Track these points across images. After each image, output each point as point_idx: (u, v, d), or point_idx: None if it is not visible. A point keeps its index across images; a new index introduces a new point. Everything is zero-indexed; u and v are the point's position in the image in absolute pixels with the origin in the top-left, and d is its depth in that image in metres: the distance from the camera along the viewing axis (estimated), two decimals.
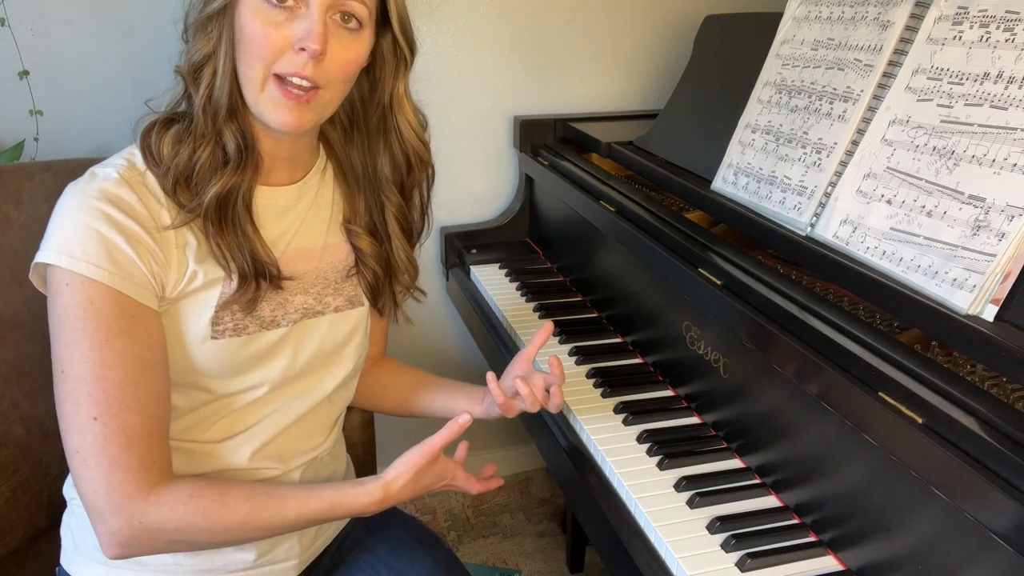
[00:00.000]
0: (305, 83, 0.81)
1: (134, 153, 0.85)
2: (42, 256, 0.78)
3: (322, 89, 0.83)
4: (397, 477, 0.87)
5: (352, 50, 0.84)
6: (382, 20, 0.88)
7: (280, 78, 0.81)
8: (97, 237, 0.78)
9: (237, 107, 0.84)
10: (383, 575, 1.04)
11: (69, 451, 0.78)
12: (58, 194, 0.81)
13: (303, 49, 0.79)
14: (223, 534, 0.82)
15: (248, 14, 0.80)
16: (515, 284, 1.51)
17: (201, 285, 0.84)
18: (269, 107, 0.82)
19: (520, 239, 1.70)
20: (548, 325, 1.03)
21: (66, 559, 0.94)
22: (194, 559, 0.90)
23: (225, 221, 0.84)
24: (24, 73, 1.33)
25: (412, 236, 1.04)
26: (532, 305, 1.42)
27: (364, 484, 0.86)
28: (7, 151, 1.33)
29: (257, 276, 0.86)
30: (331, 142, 0.99)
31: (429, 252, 1.71)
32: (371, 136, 0.98)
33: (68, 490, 0.96)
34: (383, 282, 1.02)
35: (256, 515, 0.82)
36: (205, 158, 0.83)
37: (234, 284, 0.85)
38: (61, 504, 1.00)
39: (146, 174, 0.83)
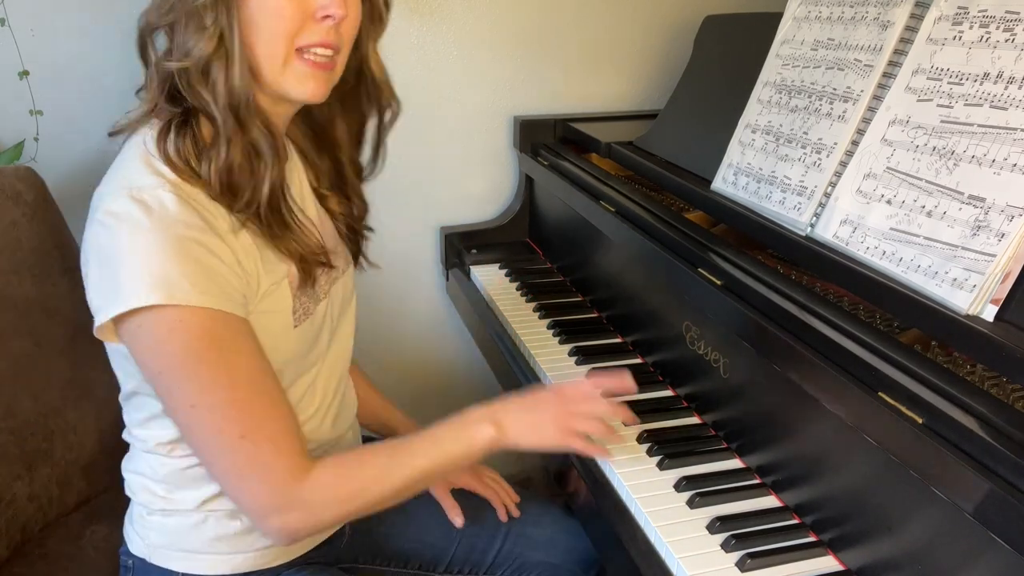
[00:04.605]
0: (329, 51, 0.82)
1: (157, 166, 0.80)
2: (140, 300, 0.73)
3: (340, 53, 0.85)
4: (501, 404, 0.89)
5: (356, 8, 0.86)
6: None
7: (300, 50, 0.81)
8: (195, 265, 0.76)
9: (257, 96, 0.84)
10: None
11: (220, 473, 0.82)
12: None
13: (326, 16, 0.80)
14: (376, 489, 0.84)
15: None
16: (515, 284, 1.51)
17: (275, 282, 0.86)
18: (294, 82, 0.82)
19: (520, 239, 1.70)
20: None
21: (155, 556, 0.95)
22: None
23: (275, 215, 0.85)
24: (24, 73, 1.33)
25: (360, 175, 1.05)
26: (532, 305, 1.42)
27: (474, 421, 0.88)
28: (7, 151, 1.33)
29: (315, 257, 0.89)
30: None
31: (429, 252, 1.71)
32: (343, 96, 0.96)
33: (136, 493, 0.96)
34: (355, 237, 1.05)
35: (396, 460, 0.86)
36: (239, 158, 0.81)
37: (296, 274, 0.87)
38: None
39: (185, 185, 0.79)
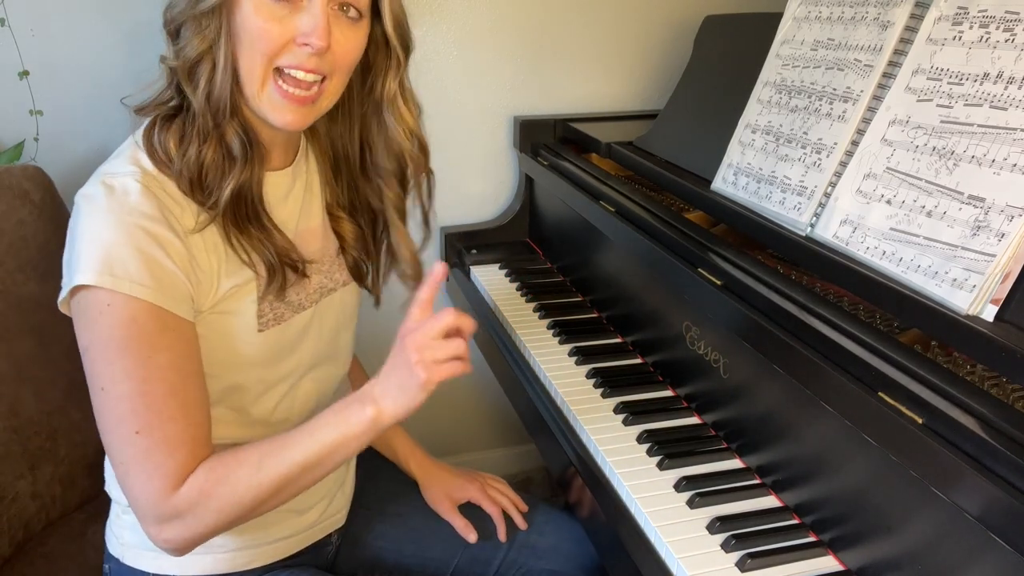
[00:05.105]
0: (310, 77, 0.82)
1: (139, 156, 0.83)
2: (81, 278, 0.76)
3: (327, 79, 0.84)
4: (375, 378, 0.83)
5: (353, 39, 0.85)
6: (375, 13, 0.88)
7: (279, 71, 0.82)
8: (138, 255, 0.77)
9: (238, 102, 0.84)
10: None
11: (113, 462, 0.81)
12: None
13: (306, 44, 0.80)
14: (252, 491, 0.80)
15: (249, 8, 0.80)
16: (515, 284, 1.51)
17: (238, 284, 0.86)
18: (268, 108, 0.83)
19: (520, 239, 1.70)
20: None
21: (127, 556, 0.96)
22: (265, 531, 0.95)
23: (241, 217, 0.85)
24: (24, 73, 1.33)
25: (375, 234, 1.05)
26: (532, 305, 1.42)
27: (350, 406, 0.83)
28: (7, 151, 1.33)
29: (283, 265, 0.88)
30: (314, 125, 0.99)
31: (429, 252, 1.69)
32: (364, 121, 0.97)
33: (112, 491, 0.97)
34: (366, 264, 1.05)
35: (269, 458, 0.81)
36: (211, 157, 0.82)
37: (263, 278, 0.87)
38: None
39: (160, 177, 0.82)
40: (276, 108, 0.83)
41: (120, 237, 0.77)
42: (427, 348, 0.80)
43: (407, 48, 0.92)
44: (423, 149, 0.99)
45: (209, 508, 0.79)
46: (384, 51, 0.91)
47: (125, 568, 0.95)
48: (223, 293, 0.85)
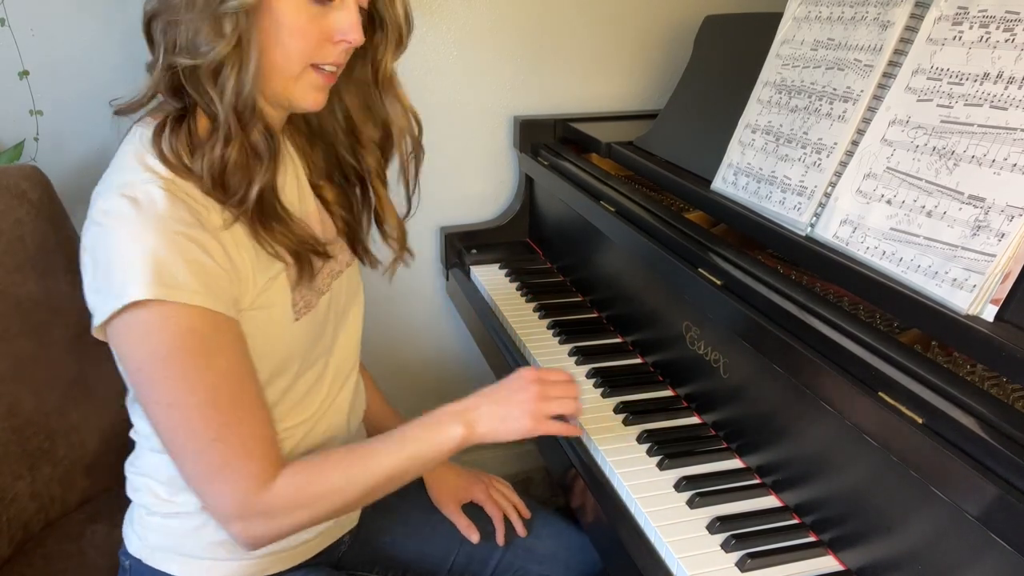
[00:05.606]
0: (335, 68, 0.85)
1: (148, 162, 0.80)
2: (134, 293, 0.73)
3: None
4: (474, 398, 0.90)
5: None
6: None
7: (314, 65, 0.83)
8: (183, 261, 0.75)
9: (257, 98, 0.84)
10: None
11: (190, 474, 0.81)
12: None
13: (344, 40, 0.83)
14: (340, 495, 0.85)
15: (291, 10, 0.79)
16: (515, 284, 1.51)
17: (271, 277, 0.86)
18: (306, 92, 0.85)
19: (520, 239, 1.70)
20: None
21: (152, 558, 0.96)
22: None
23: (265, 213, 0.85)
24: (24, 73, 1.33)
25: (359, 164, 1.03)
26: (532, 305, 1.42)
27: (443, 421, 0.89)
28: (7, 151, 1.33)
29: (307, 252, 0.88)
30: None
31: (429, 252, 1.71)
32: (354, 97, 0.97)
33: (132, 493, 0.97)
34: (355, 227, 1.04)
35: (357, 465, 0.85)
36: (236, 157, 0.81)
37: (293, 267, 0.87)
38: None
39: (178, 181, 0.80)
40: (313, 90, 0.85)
41: (161, 246, 0.74)
42: (549, 401, 0.90)
43: (411, 28, 0.94)
44: (419, 125, 1.00)
45: (301, 507, 0.83)
46: (383, 32, 0.92)
47: (146, 568, 0.94)
48: (260, 287, 0.84)
